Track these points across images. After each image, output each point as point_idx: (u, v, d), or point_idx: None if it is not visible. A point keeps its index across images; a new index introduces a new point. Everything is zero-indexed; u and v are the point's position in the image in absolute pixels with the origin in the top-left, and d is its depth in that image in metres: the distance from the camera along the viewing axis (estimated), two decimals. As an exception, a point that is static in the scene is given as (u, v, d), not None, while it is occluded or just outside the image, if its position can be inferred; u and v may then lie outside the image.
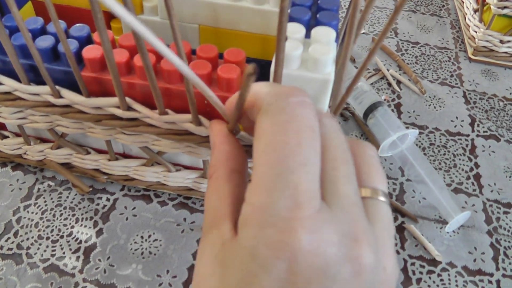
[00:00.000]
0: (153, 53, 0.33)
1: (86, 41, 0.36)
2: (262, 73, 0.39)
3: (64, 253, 0.42)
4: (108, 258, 0.41)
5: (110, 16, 0.44)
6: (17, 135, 0.45)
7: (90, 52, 0.34)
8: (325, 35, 0.30)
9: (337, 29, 0.33)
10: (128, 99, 0.34)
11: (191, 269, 0.41)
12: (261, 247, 0.20)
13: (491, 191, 0.49)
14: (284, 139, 0.21)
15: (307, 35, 0.31)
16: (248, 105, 0.24)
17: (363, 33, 0.69)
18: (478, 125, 0.57)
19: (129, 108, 0.34)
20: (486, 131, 0.56)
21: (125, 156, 0.44)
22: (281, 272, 0.19)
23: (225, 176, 0.24)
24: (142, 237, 0.43)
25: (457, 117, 0.57)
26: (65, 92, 0.35)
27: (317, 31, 0.30)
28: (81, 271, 0.40)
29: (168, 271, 0.41)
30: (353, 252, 0.20)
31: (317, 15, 0.33)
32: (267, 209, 0.20)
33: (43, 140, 0.45)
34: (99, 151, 0.44)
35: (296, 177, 0.20)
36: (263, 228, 0.20)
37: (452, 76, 0.63)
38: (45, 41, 0.35)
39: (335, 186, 0.22)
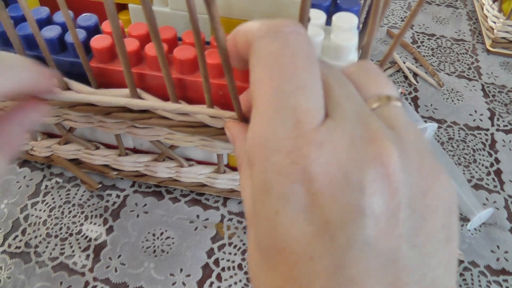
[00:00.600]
0: (166, 42, 0.32)
1: (94, 31, 0.34)
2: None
3: (73, 251, 0.40)
4: (119, 256, 0.40)
5: (119, 7, 0.42)
6: (24, 130, 0.44)
7: (99, 42, 0.32)
8: (347, 21, 0.28)
9: (358, 15, 0.31)
10: (139, 90, 0.32)
11: (205, 267, 0.39)
12: (272, 176, 0.18)
13: (513, 187, 0.47)
14: (279, 64, 0.19)
15: (327, 22, 0.29)
16: (241, 46, 0.21)
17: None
18: (497, 119, 0.55)
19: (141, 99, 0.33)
20: (506, 125, 0.54)
21: (136, 151, 0.43)
22: (301, 198, 0.17)
23: None
24: (154, 234, 0.41)
25: (476, 111, 0.56)
26: (73, 83, 0.33)
27: (338, 17, 0.29)
28: (91, 270, 0.39)
29: (181, 270, 0.39)
30: (372, 151, 0.18)
31: (337, 1, 0.32)
32: (269, 136, 0.18)
33: (50, 135, 0.44)
34: (109, 146, 0.43)
35: (294, 99, 0.18)
36: (269, 156, 0.18)
37: (469, 68, 0.61)
38: (52, 31, 0.33)
39: (338, 103, 0.20)
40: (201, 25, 0.38)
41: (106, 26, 0.33)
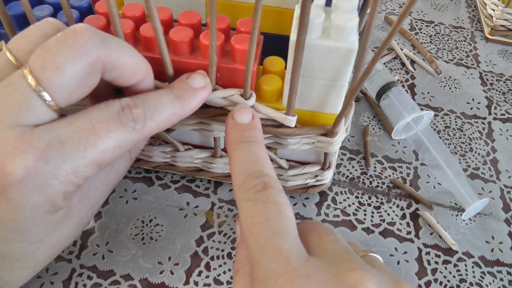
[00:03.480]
0: (162, 24, 0.32)
1: (87, 11, 0.35)
2: (278, 48, 0.39)
3: (59, 238, 0.41)
4: (107, 243, 0.41)
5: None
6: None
7: (92, 22, 0.32)
8: (347, 1, 0.29)
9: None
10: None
11: (194, 256, 0.40)
12: None
13: (509, 177, 0.49)
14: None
15: (327, 4, 0.30)
16: None
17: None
18: (495, 108, 0.56)
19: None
20: (504, 114, 0.56)
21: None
22: None
23: (252, 273, 0.27)
24: (142, 221, 0.42)
25: (473, 99, 0.57)
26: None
27: (338, -3, 0.30)
28: (78, 257, 0.40)
29: (169, 258, 0.40)
30: (353, 277, 0.25)
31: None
32: (266, 274, 0.25)
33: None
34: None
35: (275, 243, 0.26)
36: None
37: (468, 56, 0.63)
38: (43, 11, 0.34)
39: (324, 246, 0.28)
40: (196, 6, 0.39)
41: (99, 6, 0.33)
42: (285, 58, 0.35)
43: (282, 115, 0.33)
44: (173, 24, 0.33)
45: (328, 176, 0.42)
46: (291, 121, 0.33)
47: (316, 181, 0.43)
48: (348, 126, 0.37)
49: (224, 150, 0.42)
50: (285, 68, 0.34)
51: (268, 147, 0.38)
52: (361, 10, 0.35)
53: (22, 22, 0.34)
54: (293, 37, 0.28)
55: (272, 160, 0.39)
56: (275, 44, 0.39)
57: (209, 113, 0.34)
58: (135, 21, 0.33)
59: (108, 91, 0.32)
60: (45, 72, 0.25)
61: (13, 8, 0.34)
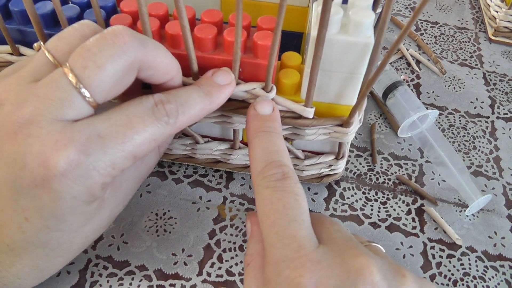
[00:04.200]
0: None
1: (111, 10, 0.36)
2: (289, 44, 0.41)
3: (76, 229, 0.42)
4: (122, 235, 0.42)
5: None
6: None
7: (118, 21, 0.34)
8: (363, -1, 0.31)
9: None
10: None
11: (206, 248, 0.42)
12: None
13: (511, 174, 0.51)
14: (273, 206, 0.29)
15: (344, 1, 0.33)
16: None
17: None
18: (498, 107, 0.58)
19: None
20: (506, 113, 0.57)
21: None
22: None
23: (262, 266, 0.30)
24: (156, 214, 0.44)
25: (477, 99, 0.59)
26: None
27: (355, -5, 0.32)
28: (93, 248, 0.41)
29: (183, 250, 0.42)
30: (359, 263, 0.27)
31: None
32: (279, 259, 0.28)
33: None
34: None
35: (291, 230, 0.28)
36: (281, 272, 0.28)
37: (472, 57, 0.65)
38: (70, 10, 0.35)
39: (330, 235, 0.30)
40: (211, 5, 0.41)
41: (124, 5, 0.35)
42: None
43: (301, 107, 0.35)
44: (196, 22, 0.35)
45: (341, 166, 0.44)
46: (310, 112, 0.36)
47: (330, 170, 0.45)
48: (361, 117, 0.39)
49: (242, 142, 0.43)
50: (301, 63, 0.37)
51: (285, 138, 0.40)
52: (373, 8, 0.38)
53: (49, 21, 0.35)
54: (313, 33, 0.30)
55: (289, 150, 0.41)
56: (286, 40, 0.41)
57: (231, 106, 0.36)
58: (160, 19, 0.34)
59: (136, 88, 0.34)
60: (86, 70, 0.26)
61: (40, 7, 0.35)
